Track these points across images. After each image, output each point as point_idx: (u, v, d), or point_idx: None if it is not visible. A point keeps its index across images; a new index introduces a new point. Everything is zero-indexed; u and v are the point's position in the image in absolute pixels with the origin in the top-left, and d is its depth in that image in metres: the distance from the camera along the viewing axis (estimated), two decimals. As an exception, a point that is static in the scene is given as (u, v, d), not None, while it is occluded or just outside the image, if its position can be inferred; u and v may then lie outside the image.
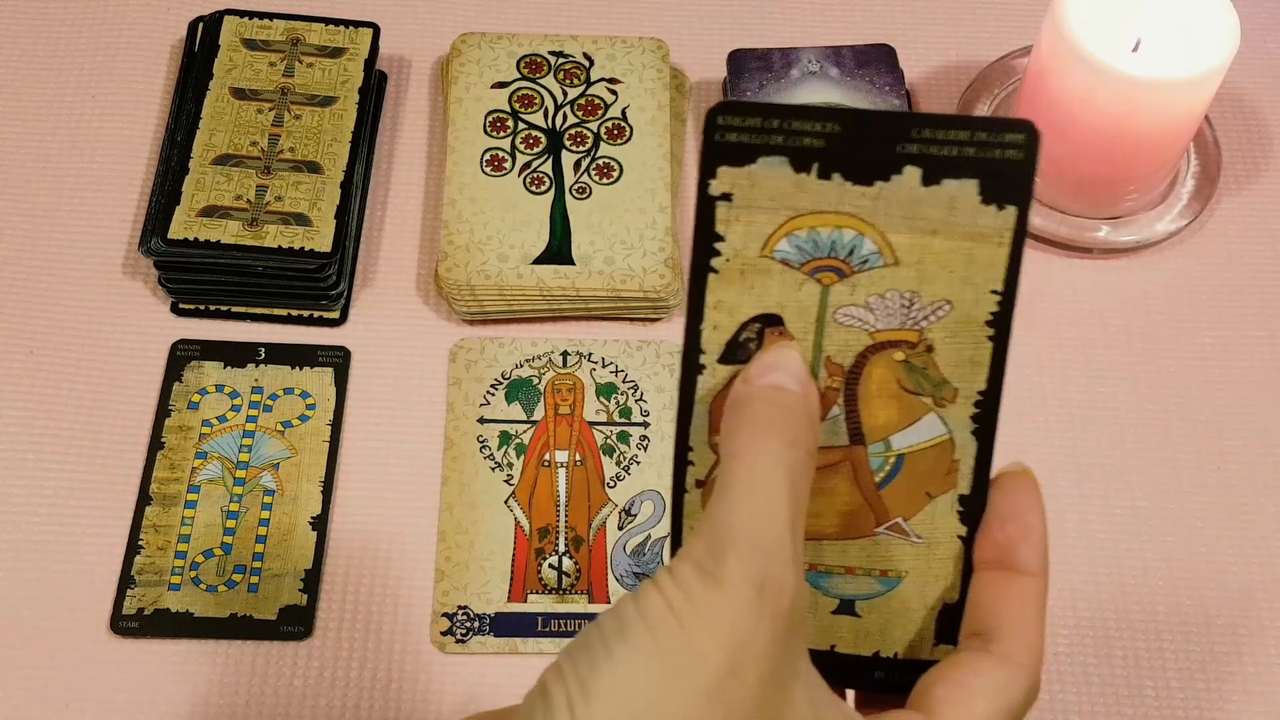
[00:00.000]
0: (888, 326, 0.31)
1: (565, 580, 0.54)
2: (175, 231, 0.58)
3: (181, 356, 0.59)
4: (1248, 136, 0.68)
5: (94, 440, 0.57)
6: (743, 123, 0.30)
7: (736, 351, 0.31)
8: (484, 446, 0.57)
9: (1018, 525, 0.31)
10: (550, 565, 0.55)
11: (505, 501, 0.56)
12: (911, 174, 0.30)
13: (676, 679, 0.27)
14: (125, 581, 0.53)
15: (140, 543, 0.54)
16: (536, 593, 0.54)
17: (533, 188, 0.62)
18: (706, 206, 0.31)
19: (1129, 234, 0.63)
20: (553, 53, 0.65)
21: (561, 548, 0.55)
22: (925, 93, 0.68)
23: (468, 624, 0.53)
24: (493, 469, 0.57)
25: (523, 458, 0.57)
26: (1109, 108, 0.57)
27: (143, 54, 0.67)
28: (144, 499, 0.55)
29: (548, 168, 0.62)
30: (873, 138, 0.30)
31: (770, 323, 0.31)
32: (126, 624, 0.52)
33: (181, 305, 0.60)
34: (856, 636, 0.33)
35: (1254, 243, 0.65)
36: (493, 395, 0.58)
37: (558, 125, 0.63)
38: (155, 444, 0.56)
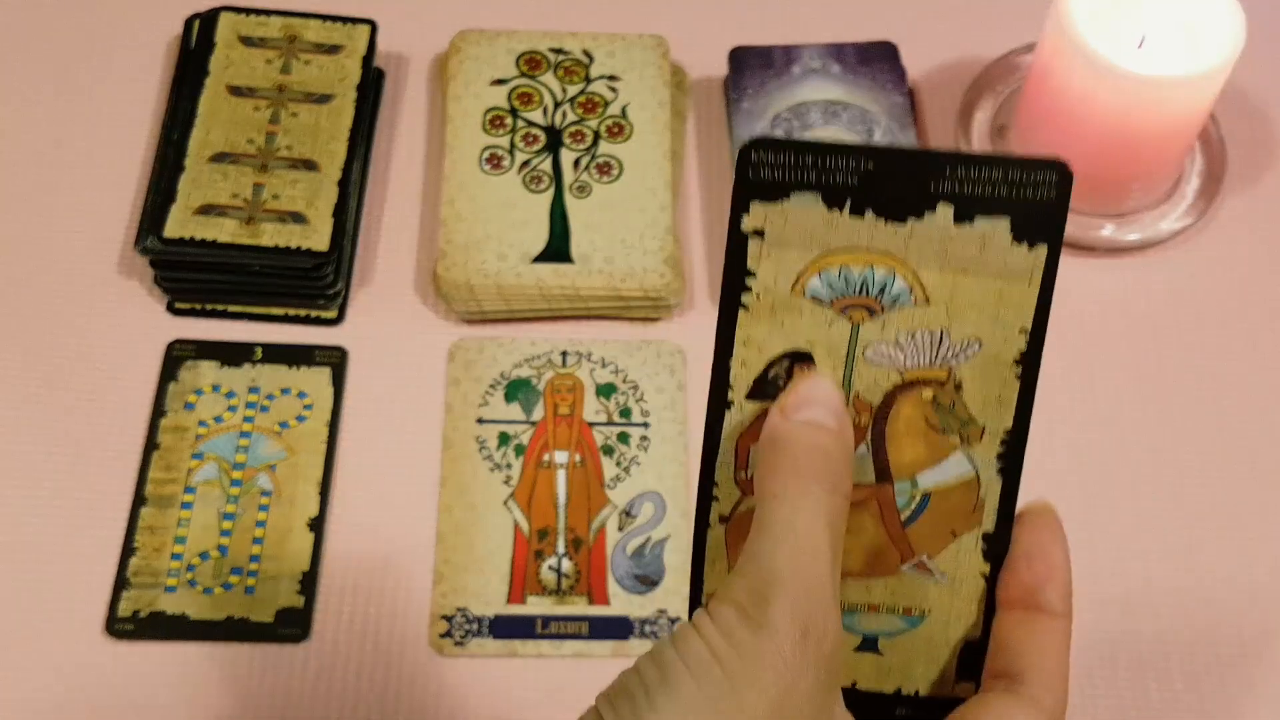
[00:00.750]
0: (917, 365, 0.31)
1: (565, 582, 0.54)
2: (171, 230, 0.57)
3: (177, 356, 0.58)
4: (1253, 135, 0.67)
5: (88, 441, 0.56)
6: (776, 159, 0.30)
7: (765, 388, 0.31)
8: (483, 447, 0.57)
9: (1043, 564, 0.31)
10: (550, 567, 0.54)
11: (504, 502, 0.55)
12: (944, 212, 0.30)
13: None
14: (120, 583, 0.53)
15: (135, 544, 0.54)
16: (536, 595, 0.54)
17: (532, 186, 0.61)
18: (738, 242, 0.31)
19: (1133, 232, 0.63)
20: (552, 50, 0.65)
21: (561, 549, 0.55)
22: (928, 90, 0.68)
23: (466, 626, 0.53)
24: (492, 470, 0.56)
25: (522, 458, 0.56)
26: (1113, 105, 0.57)
27: (138, 50, 0.67)
28: (139, 500, 0.55)
29: (547, 166, 0.62)
30: (906, 176, 0.30)
31: (799, 360, 0.31)
32: (121, 626, 0.52)
33: (177, 304, 0.60)
34: (879, 673, 0.33)
35: (1259, 241, 0.64)
36: (491, 395, 0.58)
37: (557, 123, 0.63)
38: (150, 444, 0.56)
